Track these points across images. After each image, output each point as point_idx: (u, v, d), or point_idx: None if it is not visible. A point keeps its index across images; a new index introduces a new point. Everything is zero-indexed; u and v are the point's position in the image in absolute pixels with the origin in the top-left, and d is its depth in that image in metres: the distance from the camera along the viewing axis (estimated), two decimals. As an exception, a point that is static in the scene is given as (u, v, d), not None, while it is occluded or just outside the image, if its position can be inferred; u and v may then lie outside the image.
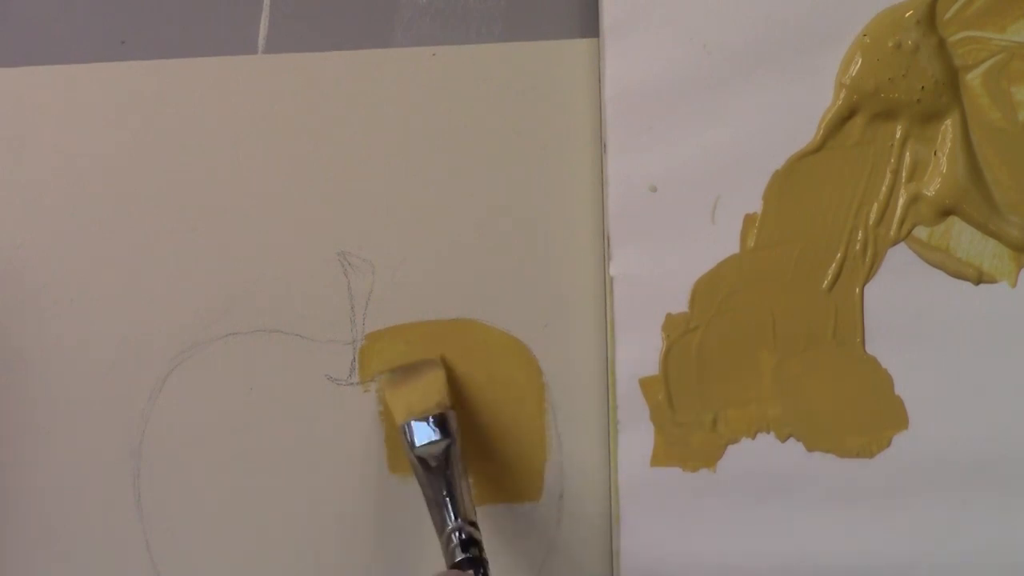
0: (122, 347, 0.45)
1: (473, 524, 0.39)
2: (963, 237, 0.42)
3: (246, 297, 0.45)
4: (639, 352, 0.43)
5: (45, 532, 0.45)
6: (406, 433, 0.41)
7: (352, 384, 0.45)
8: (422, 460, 0.40)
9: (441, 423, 0.41)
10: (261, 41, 0.46)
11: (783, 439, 0.42)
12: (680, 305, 0.43)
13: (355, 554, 0.44)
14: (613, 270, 0.43)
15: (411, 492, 0.44)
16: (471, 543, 0.39)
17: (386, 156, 0.45)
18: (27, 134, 0.46)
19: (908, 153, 0.42)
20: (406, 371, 0.43)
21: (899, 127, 0.42)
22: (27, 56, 0.46)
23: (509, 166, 0.45)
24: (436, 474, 0.40)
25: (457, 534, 0.39)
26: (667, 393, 0.43)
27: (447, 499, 0.40)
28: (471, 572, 0.38)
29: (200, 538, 0.45)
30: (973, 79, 0.42)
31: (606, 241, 0.43)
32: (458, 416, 0.42)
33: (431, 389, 0.42)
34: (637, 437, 0.43)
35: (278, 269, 0.45)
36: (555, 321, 0.44)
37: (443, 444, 0.40)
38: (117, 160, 0.45)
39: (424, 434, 0.41)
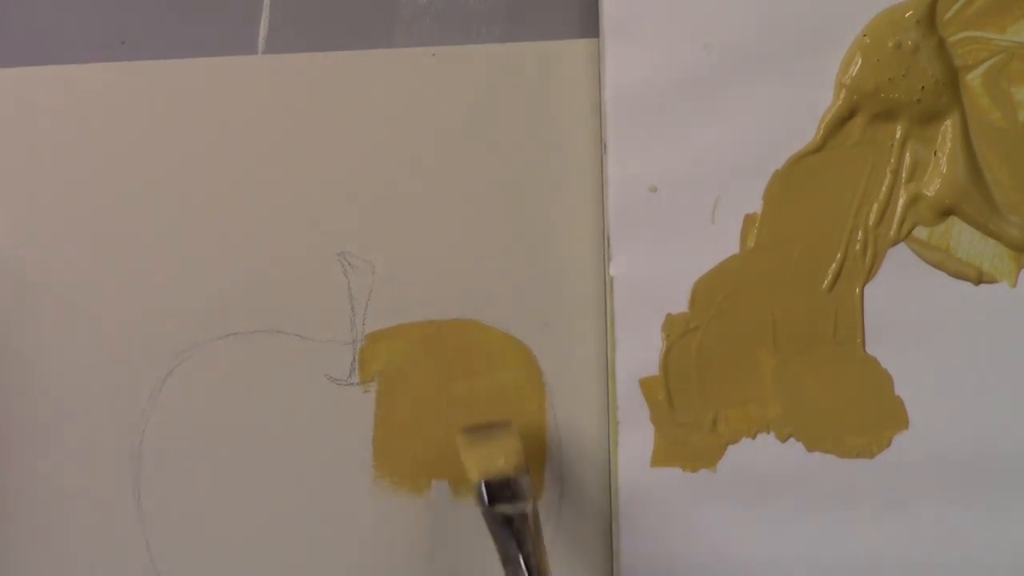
0: (122, 347, 0.45)
1: None
2: (963, 237, 0.42)
3: (246, 297, 0.45)
4: (639, 352, 0.43)
5: (45, 532, 0.45)
6: (481, 492, 0.39)
7: (352, 384, 0.45)
8: (496, 520, 0.39)
9: (518, 484, 0.40)
10: (261, 41, 0.46)
11: (783, 439, 0.42)
12: (680, 305, 0.43)
13: (356, 553, 0.44)
14: (613, 270, 0.43)
15: (406, 492, 0.44)
16: None
17: (386, 156, 0.45)
18: (27, 134, 0.46)
19: (908, 153, 0.42)
20: (482, 431, 0.42)
21: (899, 127, 0.42)
22: (27, 56, 0.46)
23: (509, 166, 0.45)
24: (510, 534, 0.39)
25: None
26: (667, 393, 0.43)
27: (520, 559, 0.38)
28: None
29: (200, 538, 0.45)
30: (973, 79, 0.42)
31: (606, 241, 0.43)
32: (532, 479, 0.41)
33: (508, 451, 0.41)
34: (637, 437, 0.43)
35: (278, 269, 0.45)
36: (555, 321, 0.44)
37: (519, 505, 0.39)
38: (117, 160, 0.45)
39: (500, 494, 0.39)
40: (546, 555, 0.39)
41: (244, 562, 0.45)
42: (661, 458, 0.43)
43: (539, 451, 0.44)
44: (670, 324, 0.43)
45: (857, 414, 0.42)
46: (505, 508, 0.39)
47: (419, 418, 0.44)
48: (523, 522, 0.39)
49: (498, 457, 0.40)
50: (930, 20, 0.42)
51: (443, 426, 0.44)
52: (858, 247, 0.42)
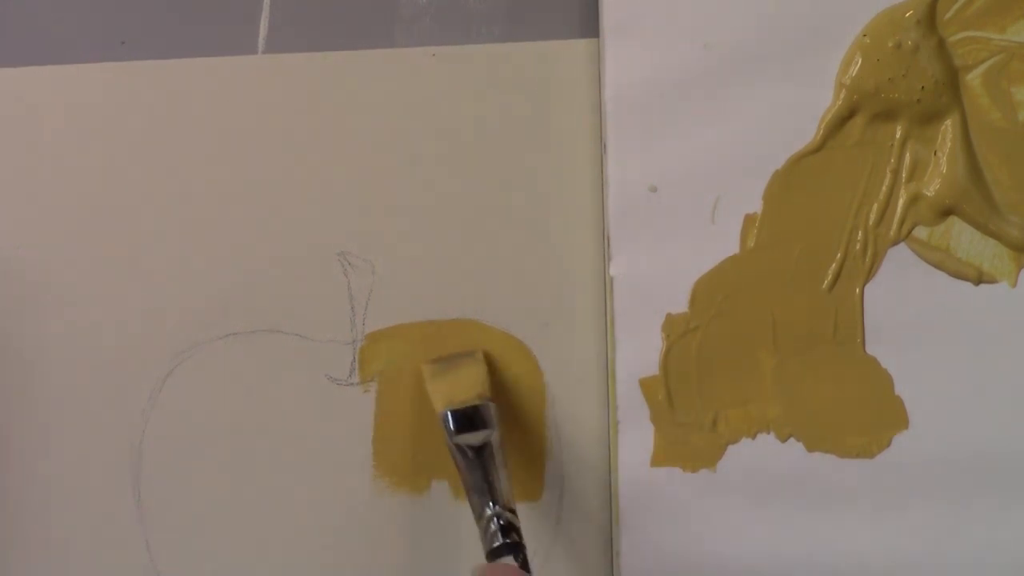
0: (122, 347, 0.45)
1: (512, 511, 0.40)
2: (963, 237, 0.42)
3: (246, 297, 0.45)
4: (639, 352, 0.43)
5: (45, 532, 0.45)
6: (446, 422, 0.41)
7: (352, 384, 0.45)
8: (461, 449, 0.40)
9: (481, 413, 0.41)
10: (261, 41, 0.46)
11: (783, 439, 0.42)
12: (680, 305, 0.43)
13: (355, 553, 0.44)
14: (613, 270, 0.43)
15: (406, 493, 0.44)
16: (510, 529, 0.39)
17: (386, 156, 0.45)
18: (27, 134, 0.46)
19: (908, 153, 0.42)
20: (447, 362, 0.43)
21: (899, 127, 0.42)
22: (27, 56, 0.46)
23: (509, 166, 0.45)
24: (475, 463, 0.40)
25: (496, 520, 0.39)
26: (667, 393, 0.43)
27: (486, 487, 0.40)
28: (510, 558, 0.38)
29: (200, 538, 0.45)
30: (973, 79, 0.42)
31: (606, 241, 0.43)
32: (498, 408, 0.42)
33: (472, 380, 0.42)
34: (637, 437, 0.43)
35: (278, 269, 0.45)
36: (555, 321, 0.44)
37: (482, 434, 0.41)
38: (117, 160, 0.45)
39: (463, 423, 0.41)
40: (511, 483, 0.40)
41: (244, 562, 0.45)
42: (661, 458, 0.43)
43: (539, 451, 0.44)
44: (670, 324, 0.43)
45: (857, 414, 0.42)
46: (469, 438, 0.40)
47: (419, 418, 0.44)
48: (488, 450, 0.40)
49: (462, 387, 0.42)
50: (930, 20, 0.42)
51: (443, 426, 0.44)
52: (858, 247, 0.42)
